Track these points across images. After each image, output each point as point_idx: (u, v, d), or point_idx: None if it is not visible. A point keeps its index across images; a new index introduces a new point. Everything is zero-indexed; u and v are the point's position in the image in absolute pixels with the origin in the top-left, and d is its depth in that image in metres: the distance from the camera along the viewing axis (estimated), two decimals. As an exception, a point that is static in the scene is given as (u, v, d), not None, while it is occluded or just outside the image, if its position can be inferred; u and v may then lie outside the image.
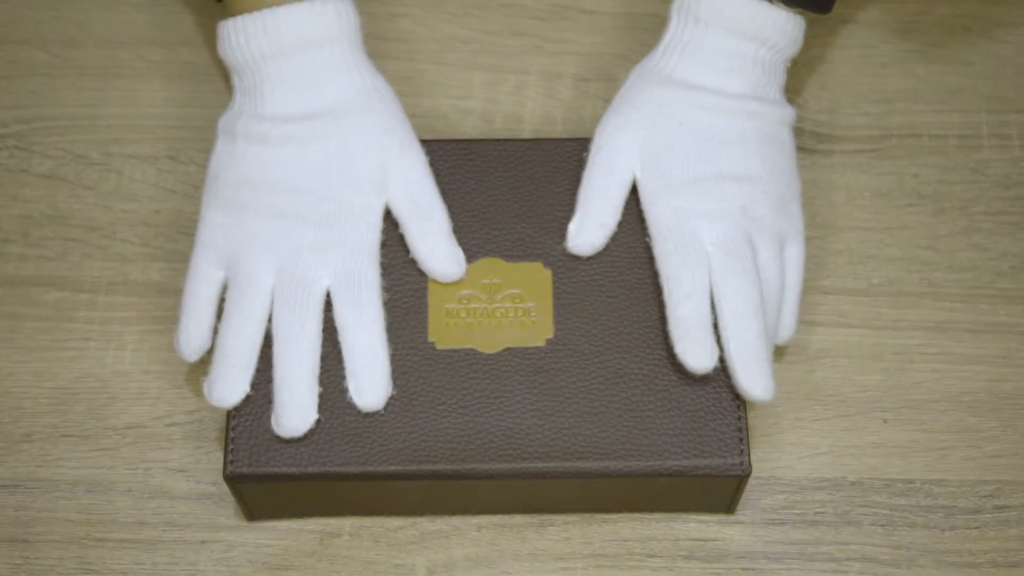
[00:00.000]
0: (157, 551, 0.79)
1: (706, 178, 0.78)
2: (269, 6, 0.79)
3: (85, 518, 0.80)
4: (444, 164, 0.81)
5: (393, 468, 0.75)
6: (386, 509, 0.80)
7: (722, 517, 0.80)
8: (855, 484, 0.81)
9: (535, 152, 0.82)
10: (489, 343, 0.77)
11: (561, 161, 0.82)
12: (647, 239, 0.79)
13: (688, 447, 0.75)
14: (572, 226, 0.79)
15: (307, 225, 0.77)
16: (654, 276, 0.79)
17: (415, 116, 0.90)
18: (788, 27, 0.81)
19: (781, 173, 0.80)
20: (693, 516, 0.80)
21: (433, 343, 0.77)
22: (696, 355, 0.75)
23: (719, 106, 0.80)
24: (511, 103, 0.91)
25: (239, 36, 0.79)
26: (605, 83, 0.91)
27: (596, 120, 0.90)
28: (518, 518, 0.80)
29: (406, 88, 0.91)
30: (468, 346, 0.77)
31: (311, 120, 0.79)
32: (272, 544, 0.79)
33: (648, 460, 0.75)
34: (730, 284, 0.76)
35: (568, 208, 0.80)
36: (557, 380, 0.76)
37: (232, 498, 0.79)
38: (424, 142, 0.82)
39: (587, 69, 0.92)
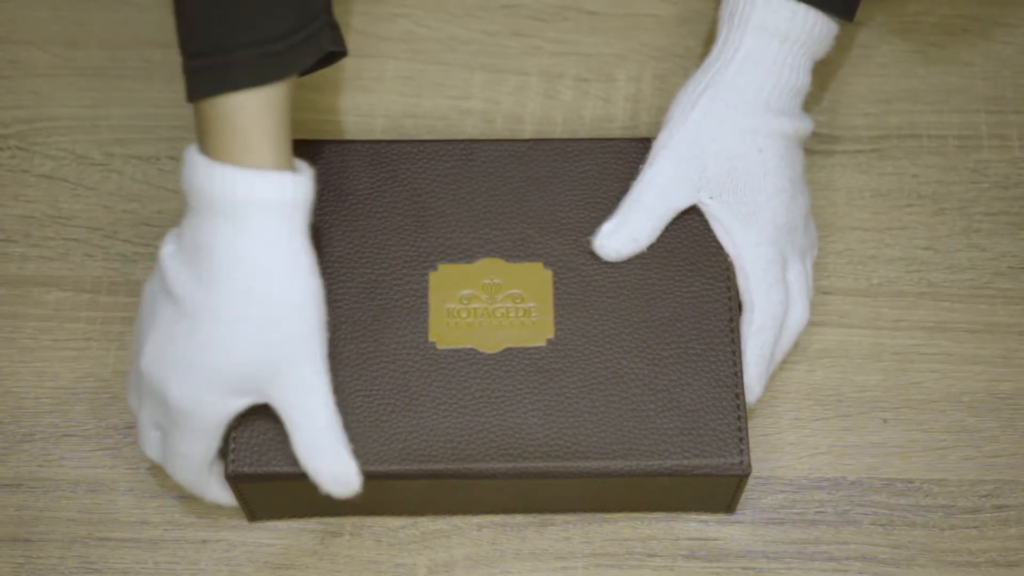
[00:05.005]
0: (159, 550, 0.79)
1: (787, 208, 0.79)
2: (208, 152, 0.73)
3: (87, 517, 0.80)
4: (444, 164, 0.81)
5: (393, 468, 0.75)
6: (387, 509, 0.80)
7: (722, 517, 0.80)
8: (855, 484, 0.81)
9: (535, 152, 0.82)
10: (490, 343, 0.77)
11: (562, 161, 0.82)
12: (727, 260, 0.79)
13: (688, 447, 0.75)
14: (606, 227, 0.79)
15: (150, 403, 0.75)
16: (654, 277, 0.79)
17: (415, 116, 0.90)
18: (833, 40, 0.82)
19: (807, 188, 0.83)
20: (693, 516, 0.80)
21: (434, 343, 0.77)
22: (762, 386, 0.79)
23: (792, 130, 0.80)
24: (511, 103, 0.91)
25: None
26: (605, 83, 0.91)
27: (596, 120, 0.90)
28: (519, 518, 0.80)
29: (406, 88, 0.91)
30: (468, 346, 0.77)
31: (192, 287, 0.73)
32: (273, 543, 0.79)
33: (648, 460, 0.75)
34: (792, 314, 0.80)
35: (568, 208, 0.80)
36: (558, 380, 0.76)
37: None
38: (424, 142, 0.82)
39: (588, 69, 0.92)
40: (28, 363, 0.84)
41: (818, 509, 0.80)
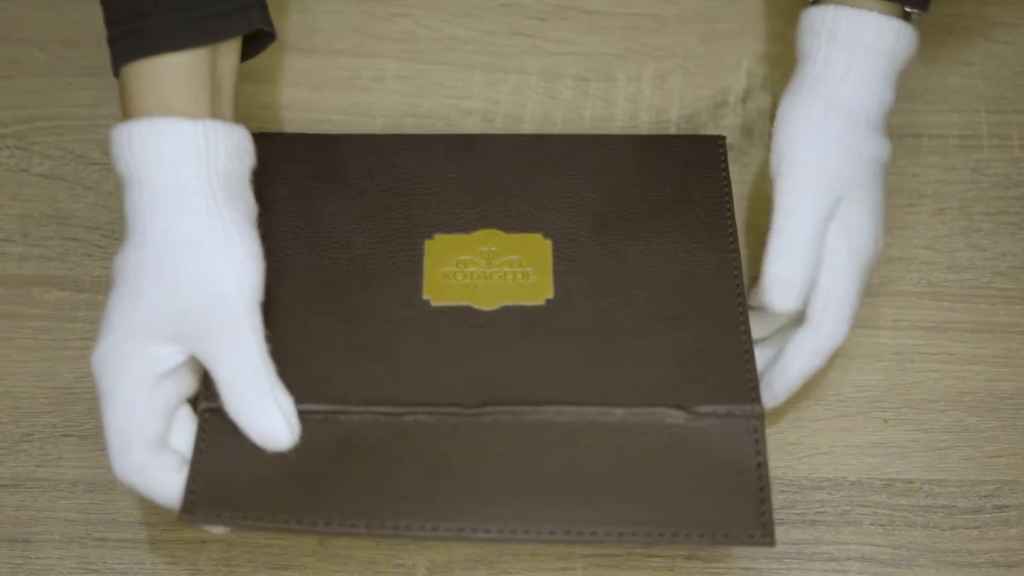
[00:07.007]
0: (157, 551, 0.79)
1: (875, 243, 0.79)
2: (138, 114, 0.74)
3: (85, 518, 0.80)
4: (443, 153, 0.82)
5: (369, 409, 0.73)
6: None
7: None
8: (855, 484, 0.81)
9: (536, 145, 0.82)
10: (486, 301, 0.76)
11: (562, 156, 0.82)
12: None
13: (696, 394, 0.73)
14: (770, 281, 0.76)
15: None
16: (657, 247, 0.78)
17: (415, 116, 0.90)
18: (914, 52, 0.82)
19: None
20: (693, 516, 0.80)
21: (428, 300, 0.76)
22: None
23: (883, 155, 0.80)
24: (511, 103, 0.91)
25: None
26: (605, 83, 0.91)
27: (596, 119, 0.90)
28: (518, 518, 0.80)
29: (406, 88, 0.91)
30: (465, 303, 0.76)
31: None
32: (272, 544, 0.79)
33: (652, 408, 0.73)
34: None
35: (569, 190, 0.80)
36: (557, 334, 0.75)
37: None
38: (425, 138, 0.82)
39: (587, 69, 0.92)
40: (27, 363, 0.84)
41: (818, 509, 0.80)
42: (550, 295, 0.76)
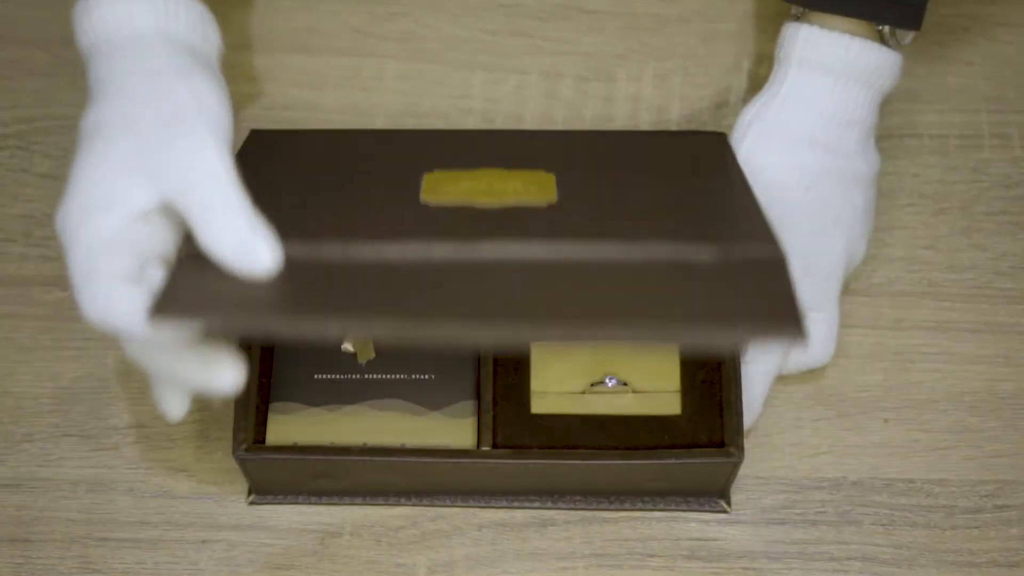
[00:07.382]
0: (158, 550, 0.79)
1: (824, 253, 0.79)
2: None
3: (86, 518, 0.80)
4: (443, 148, 0.82)
5: (355, 254, 0.67)
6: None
7: (723, 517, 0.80)
8: (856, 484, 0.81)
9: (537, 138, 0.82)
10: (487, 201, 0.72)
11: (564, 145, 0.81)
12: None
13: (723, 237, 0.69)
14: None
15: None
16: (662, 185, 0.77)
17: (415, 116, 0.90)
18: (894, 69, 0.81)
19: None
20: (694, 515, 0.80)
21: (426, 203, 0.72)
22: None
23: (839, 168, 0.80)
24: (512, 103, 0.91)
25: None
26: (605, 83, 0.91)
27: (596, 119, 0.90)
28: (519, 517, 0.80)
29: (406, 88, 0.91)
30: (465, 203, 0.72)
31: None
32: (273, 544, 0.79)
33: (672, 243, 0.68)
34: (811, 354, 0.82)
35: (573, 152, 0.80)
36: (567, 220, 0.71)
37: (232, 498, 0.79)
38: (425, 133, 0.82)
39: (587, 69, 0.92)
40: (27, 363, 0.84)
41: (819, 509, 0.80)
42: (553, 200, 0.72)
